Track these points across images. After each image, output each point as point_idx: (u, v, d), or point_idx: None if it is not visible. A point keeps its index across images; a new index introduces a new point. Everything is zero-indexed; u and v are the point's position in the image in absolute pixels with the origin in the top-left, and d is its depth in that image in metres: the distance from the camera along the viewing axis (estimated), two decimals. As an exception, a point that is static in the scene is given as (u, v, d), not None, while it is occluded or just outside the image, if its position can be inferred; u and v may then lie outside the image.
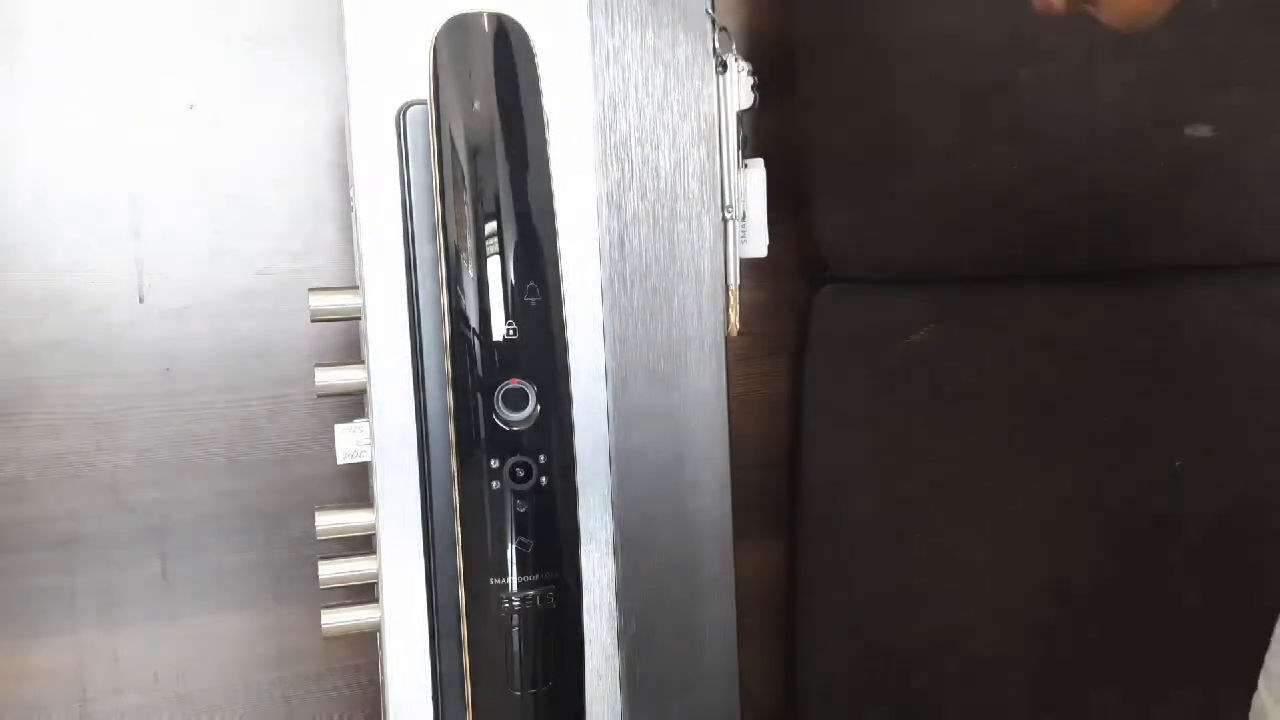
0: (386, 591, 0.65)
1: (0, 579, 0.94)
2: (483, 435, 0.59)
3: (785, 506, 1.11)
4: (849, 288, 1.06)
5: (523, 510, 0.59)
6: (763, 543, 1.12)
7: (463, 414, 0.59)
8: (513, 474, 0.59)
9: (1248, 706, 0.69)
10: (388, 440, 0.64)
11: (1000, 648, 1.02)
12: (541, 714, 0.61)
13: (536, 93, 0.61)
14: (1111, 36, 0.88)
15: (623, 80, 0.68)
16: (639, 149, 0.69)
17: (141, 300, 0.94)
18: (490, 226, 0.59)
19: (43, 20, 0.90)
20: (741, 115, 0.72)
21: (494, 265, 0.59)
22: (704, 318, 0.71)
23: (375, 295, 0.64)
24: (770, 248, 0.77)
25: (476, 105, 0.60)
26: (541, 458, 0.59)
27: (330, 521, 0.67)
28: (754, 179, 0.74)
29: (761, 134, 0.83)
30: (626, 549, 0.69)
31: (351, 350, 0.75)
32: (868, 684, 1.06)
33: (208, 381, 0.96)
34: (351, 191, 0.65)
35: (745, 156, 0.73)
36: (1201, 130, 0.96)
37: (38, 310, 0.92)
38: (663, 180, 0.69)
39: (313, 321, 0.67)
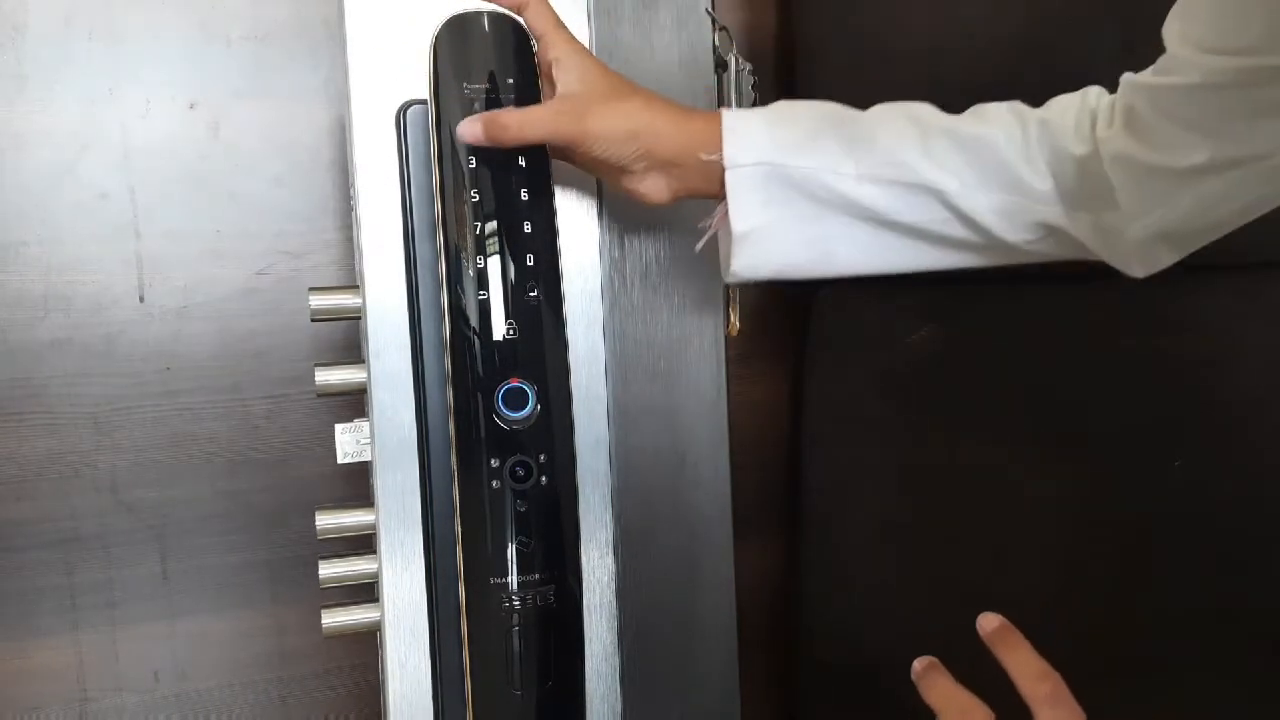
0: (386, 591, 0.65)
1: (0, 579, 0.94)
2: (483, 434, 0.58)
3: (785, 506, 1.11)
4: (849, 288, 1.05)
5: (523, 509, 0.59)
6: (763, 543, 1.12)
7: (463, 413, 0.59)
8: (513, 473, 0.59)
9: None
10: (388, 440, 0.64)
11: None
12: (541, 713, 0.61)
13: (536, 91, 0.61)
14: (1114, 36, 0.88)
15: (623, 80, 0.68)
16: (639, 148, 0.68)
17: (141, 300, 0.94)
18: (490, 225, 0.59)
19: (44, 18, 0.90)
20: (742, 115, 0.72)
21: (494, 264, 0.59)
22: (704, 317, 0.71)
23: (375, 295, 0.64)
24: (770, 247, 0.77)
25: (476, 104, 0.60)
26: (541, 457, 0.59)
27: (330, 521, 0.67)
28: (754, 178, 0.74)
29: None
30: (626, 548, 0.69)
31: (351, 350, 0.75)
32: (868, 685, 1.06)
33: (207, 381, 0.96)
34: (352, 191, 0.65)
35: (745, 156, 0.73)
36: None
37: (38, 310, 0.92)
38: (663, 180, 0.69)
39: (313, 321, 0.67)
